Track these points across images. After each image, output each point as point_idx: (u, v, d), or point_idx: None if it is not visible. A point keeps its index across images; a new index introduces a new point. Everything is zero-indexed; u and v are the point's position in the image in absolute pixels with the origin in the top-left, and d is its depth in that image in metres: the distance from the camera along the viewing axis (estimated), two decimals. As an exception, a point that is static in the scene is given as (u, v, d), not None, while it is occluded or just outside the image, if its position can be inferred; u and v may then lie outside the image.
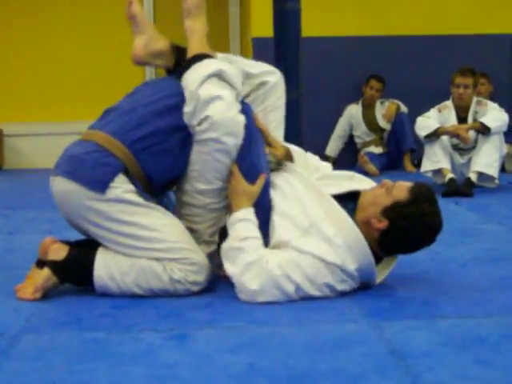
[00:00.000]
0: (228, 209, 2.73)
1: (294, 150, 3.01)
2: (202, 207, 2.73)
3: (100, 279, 2.62)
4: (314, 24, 6.79)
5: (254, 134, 2.71)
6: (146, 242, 2.60)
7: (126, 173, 2.62)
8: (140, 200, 2.62)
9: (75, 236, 2.84)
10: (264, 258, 2.55)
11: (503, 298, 2.62)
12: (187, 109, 2.64)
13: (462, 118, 5.72)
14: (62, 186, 2.64)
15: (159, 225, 2.62)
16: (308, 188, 2.75)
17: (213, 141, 2.62)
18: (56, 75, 8.25)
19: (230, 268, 2.58)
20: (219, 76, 2.67)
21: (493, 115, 5.58)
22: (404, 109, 7.24)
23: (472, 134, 5.62)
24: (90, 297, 2.64)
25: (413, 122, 5.98)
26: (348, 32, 7.38)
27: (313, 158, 3.07)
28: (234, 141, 2.63)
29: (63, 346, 2.16)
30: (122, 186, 2.59)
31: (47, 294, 2.64)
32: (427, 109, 5.83)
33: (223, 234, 2.70)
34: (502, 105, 5.87)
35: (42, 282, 2.61)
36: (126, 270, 2.60)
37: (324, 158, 7.27)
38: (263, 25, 6.12)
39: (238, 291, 2.57)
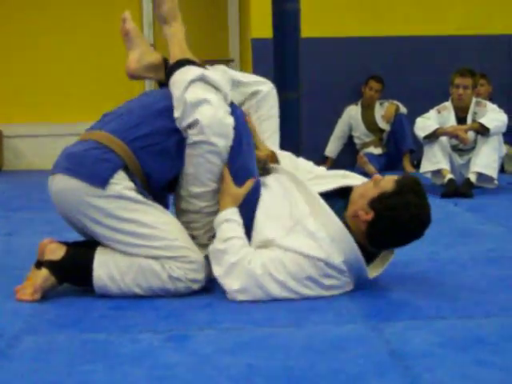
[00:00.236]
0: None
1: (285, 154, 3.06)
2: (197, 212, 2.74)
3: (99, 279, 2.62)
4: (313, 25, 6.79)
5: (244, 135, 2.73)
6: (144, 240, 2.61)
7: (126, 170, 2.63)
8: (139, 197, 2.63)
9: (75, 237, 2.85)
10: (247, 257, 2.59)
11: (503, 298, 2.62)
12: (176, 114, 2.67)
13: (461, 119, 5.72)
14: (61, 182, 2.65)
15: (158, 222, 2.63)
16: (296, 185, 2.80)
17: (204, 143, 2.64)
18: (56, 76, 8.25)
19: (215, 269, 2.62)
20: (203, 80, 2.71)
21: (492, 116, 5.58)
22: (403, 110, 7.25)
23: (471, 134, 5.62)
24: (90, 298, 2.64)
25: (412, 122, 5.99)
26: (347, 33, 7.38)
27: (305, 163, 3.09)
28: (225, 142, 2.65)
29: (63, 347, 2.16)
30: (121, 183, 2.61)
31: (46, 295, 2.64)
32: (426, 110, 5.84)
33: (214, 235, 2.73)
34: (501, 105, 5.87)
35: (40, 283, 2.61)
36: (125, 269, 2.61)
37: (323, 158, 7.29)
38: (262, 26, 6.12)
39: (225, 291, 2.61)
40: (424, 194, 2.65)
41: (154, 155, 2.68)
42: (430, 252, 3.40)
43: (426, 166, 5.70)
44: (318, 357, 2.04)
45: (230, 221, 2.67)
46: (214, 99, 2.67)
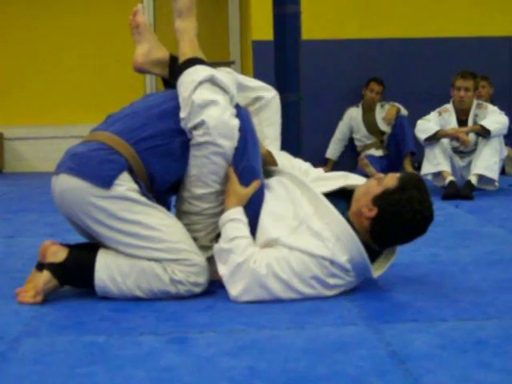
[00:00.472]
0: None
1: (282, 154, 3.06)
2: (199, 214, 2.74)
3: (101, 281, 2.62)
4: (313, 27, 6.81)
5: (250, 136, 2.74)
6: (147, 242, 2.61)
7: (131, 171, 2.64)
8: (143, 199, 2.63)
9: (76, 239, 2.85)
10: (252, 257, 2.59)
11: (504, 300, 2.62)
12: (182, 114, 2.67)
13: (462, 121, 5.73)
14: (65, 182, 2.64)
15: (161, 225, 2.63)
16: (298, 186, 2.81)
17: (209, 144, 2.64)
18: (56, 78, 8.26)
19: (221, 269, 2.63)
20: (212, 81, 2.71)
21: (493, 118, 5.59)
22: (404, 112, 7.24)
23: (472, 136, 5.62)
24: (91, 300, 2.64)
25: (413, 124, 5.99)
26: (348, 35, 7.39)
27: (302, 163, 3.10)
28: (230, 143, 2.66)
29: (63, 349, 2.16)
30: (125, 184, 2.61)
31: (47, 298, 2.64)
32: (427, 112, 5.84)
33: (217, 236, 2.73)
34: (502, 107, 5.88)
35: (42, 286, 2.61)
36: (126, 271, 2.61)
37: (324, 160, 7.29)
38: (263, 28, 6.14)
39: (227, 291, 2.61)
40: (427, 191, 2.67)
41: (158, 157, 2.68)
42: (431, 254, 3.39)
43: (427, 168, 5.70)
44: (318, 359, 2.04)
45: (235, 220, 2.66)
46: (222, 101, 2.68)
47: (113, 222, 2.60)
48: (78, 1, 8.28)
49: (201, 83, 2.69)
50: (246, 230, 2.67)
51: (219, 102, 2.67)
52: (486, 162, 5.48)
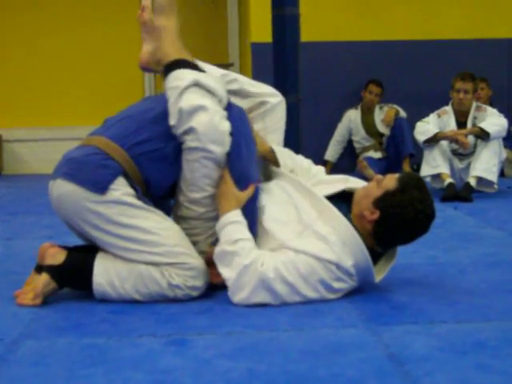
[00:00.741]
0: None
1: (284, 152, 3.05)
2: (197, 218, 2.73)
3: (99, 286, 2.62)
4: (312, 29, 6.80)
5: (244, 138, 2.72)
6: (144, 245, 2.60)
7: (126, 176, 2.63)
8: (139, 203, 2.63)
9: (75, 242, 2.85)
10: (259, 259, 2.57)
11: (502, 302, 2.62)
12: (171, 122, 2.65)
13: (461, 123, 5.73)
14: (61, 187, 2.64)
15: (158, 228, 2.63)
16: (300, 190, 2.80)
17: (199, 149, 2.62)
18: (55, 80, 8.26)
19: (225, 271, 2.59)
20: (197, 85, 2.67)
21: (492, 120, 5.59)
22: (403, 114, 7.24)
23: (471, 139, 5.62)
24: (90, 302, 2.64)
25: (412, 126, 5.99)
26: (347, 37, 7.38)
27: (304, 160, 3.09)
28: (221, 149, 2.63)
29: (62, 351, 2.16)
30: (121, 189, 2.60)
31: (46, 300, 2.64)
32: (426, 114, 5.84)
33: (216, 240, 2.71)
34: (500, 110, 5.88)
35: (41, 288, 2.61)
36: (125, 275, 2.61)
37: (323, 162, 7.28)
38: (262, 30, 6.13)
39: (230, 294, 2.59)
40: (427, 190, 2.68)
41: (152, 161, 2.68)
42: (430, 256, 3.40)
43: (426, 170, 5.69)
44: (317, 361, 2.04)
45: (236, 222, 2.65)
46: (210, 105, 2.64)
47: (109, 227, 2.60)
48: (78, 5, 8.27)
49: (186, 88, 2.65)
50: (247, 233, 2.65)
51: (207, 106, 2.63)
52: (485, 165, 5.48)
